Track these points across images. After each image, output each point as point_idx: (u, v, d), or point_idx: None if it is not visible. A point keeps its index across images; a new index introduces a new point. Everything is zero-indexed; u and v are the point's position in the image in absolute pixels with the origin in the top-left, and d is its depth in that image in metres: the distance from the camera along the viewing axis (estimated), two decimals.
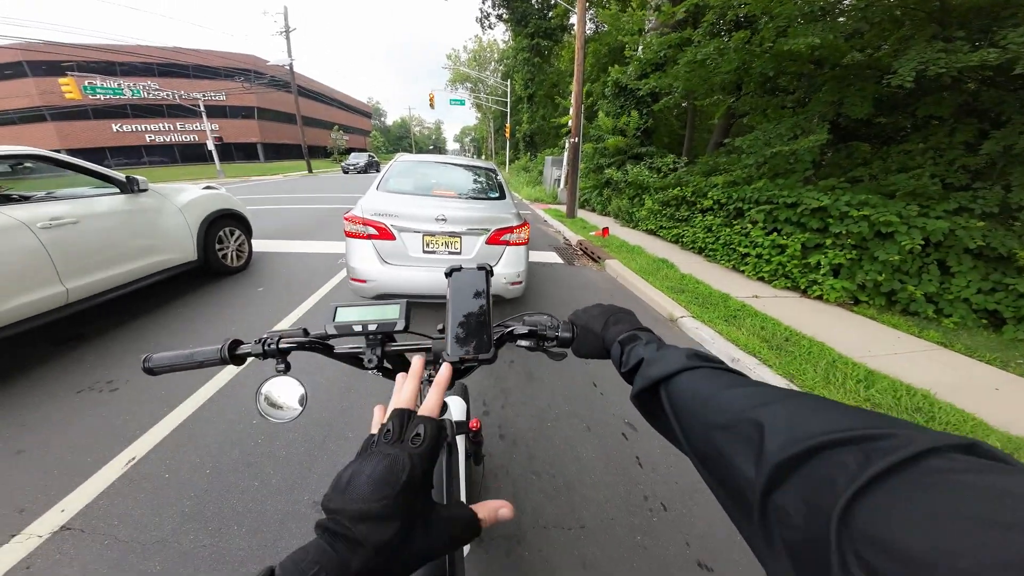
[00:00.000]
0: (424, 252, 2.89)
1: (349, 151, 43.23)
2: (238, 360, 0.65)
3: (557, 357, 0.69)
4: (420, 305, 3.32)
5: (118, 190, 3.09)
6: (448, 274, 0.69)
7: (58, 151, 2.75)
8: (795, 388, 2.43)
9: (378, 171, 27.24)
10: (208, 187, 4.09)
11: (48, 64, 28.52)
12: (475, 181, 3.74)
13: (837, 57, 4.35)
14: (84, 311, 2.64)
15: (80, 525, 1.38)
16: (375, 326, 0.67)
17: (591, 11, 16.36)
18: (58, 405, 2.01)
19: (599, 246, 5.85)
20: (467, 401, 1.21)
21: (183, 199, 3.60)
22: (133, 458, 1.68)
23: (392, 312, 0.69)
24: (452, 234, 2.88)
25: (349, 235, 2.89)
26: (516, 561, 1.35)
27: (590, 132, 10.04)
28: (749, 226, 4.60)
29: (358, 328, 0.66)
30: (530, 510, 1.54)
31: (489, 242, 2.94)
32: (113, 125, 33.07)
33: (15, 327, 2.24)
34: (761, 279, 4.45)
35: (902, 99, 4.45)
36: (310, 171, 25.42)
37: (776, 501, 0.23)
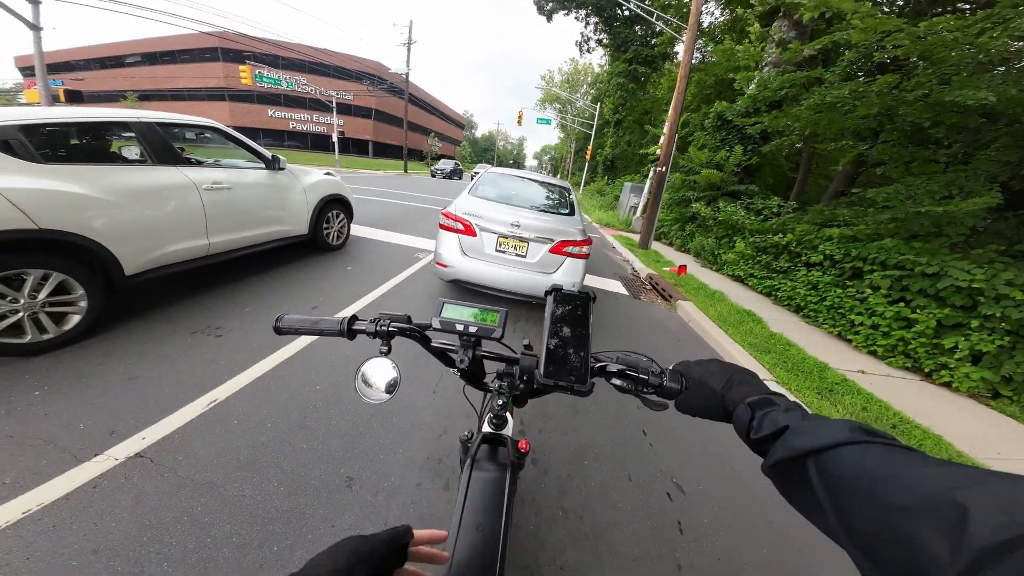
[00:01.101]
0: (496, 251, 3.29)
1: (440, 157, 46.94)
2: (352, 335, 0.70)
3: (657, 407, 0.62)
4: (478, 294, 3.78)
5: (263, 166, 3.57)
6: (549, 292, 0.68)
7: (229, 127, 3.39)
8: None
9: (460, 178, 29.30)
10: (328, 173, 4.61)
11: (234, 52, 35.55)
12: (549, 196, 4.13)
13: (1017, 112, 3.54)
14: (216, 264, 3.16)
15: (152, 454, 1.54)
16: (475, 328, 0.69)
17: (700, 41, 15.72)
18: (174, 341, 2.38)
19: (672, 283, 5.45)
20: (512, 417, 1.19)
21: (308, 180, 4.08)
22: (215, 400, 1.91)
23: (493, 318, 0.71)
24: (522, 239, 3.24)
25: (443, 227, 3.42)
26: None
27: (680, 163, 9.53)
28: (868, 291, 3.90)
29: (460, 327, 0.70)
30: (550, 546, 1.44)
31: (552, 251, 3.25)
32: (269, 110, 40.27)
33: (165, 269, 2.66)
34: (872, 353, 3.72)
35: None
36: (405, 171, 28.05)
37: None
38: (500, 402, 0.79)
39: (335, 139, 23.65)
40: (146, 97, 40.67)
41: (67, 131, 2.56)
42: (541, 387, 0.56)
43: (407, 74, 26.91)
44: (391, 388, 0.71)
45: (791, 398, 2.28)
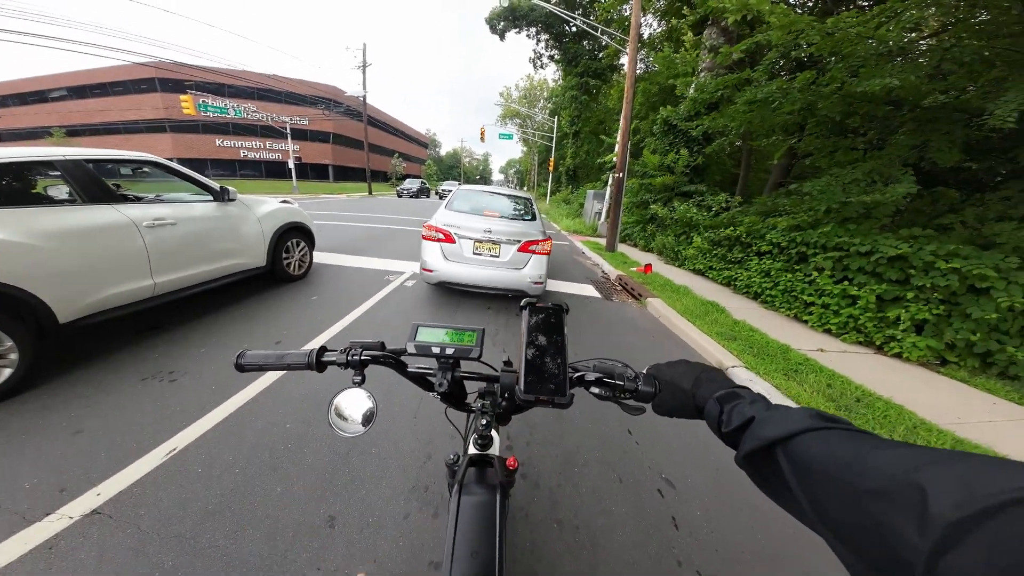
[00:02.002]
0: (473, 254, 3.90)
1: (405, 177, 46.64)
2: (322, 367, 0.67)
3: (634, 411, 0.63)
4: (469, 295, 4.33)
5: (212, 198, 3.43)
6: (524, 307, 0.68)
7: (171, 159, 3.21)
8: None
9: (428, 196, 29.20)
10: (284, 201, 4.43)
11: (173, 82, 33.94)
12: (514, 206, 4.80)
13: (917, 98, 4.02)
14: (165, 304, 2.94)
15: (110, 511, 1.43)
16: (452, 350, 0.68)
17: (642, 51, 16.79)
18: (123, 389, 2.20)
19: (640, 283, 5.64)
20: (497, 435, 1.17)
21: (263, 210, 3.94)
22: (174, 449, 1.77)
23: (469, 337, 0.70)
24: (494, 242, 3.87)
25: (425, 238, 4.00)
26: None
27: (635, 168, 10.01)
28: (814, 273, 4.21)
29: (436, 350, 0.68)
30: (547, 561, 1.41)
31: (520, 250, 3.88)
32: (216, 140, 38.51)
33: (105, 314, 2.48)
34: (828, 331, 4.00)
35: (997, 143, 3.98)
36: (370, 193, 27.61)
37: (949, 564, 0.22)
38: (484, 422, 0.78)
39: (291, 165, 22.95)
40: (75, 132, 37.85)
41: None
42: (523, 403, 0.56)
43: (364, 96, 26.78)
44: (368, 419, 0.68)
45: (757, 389, 2.37)
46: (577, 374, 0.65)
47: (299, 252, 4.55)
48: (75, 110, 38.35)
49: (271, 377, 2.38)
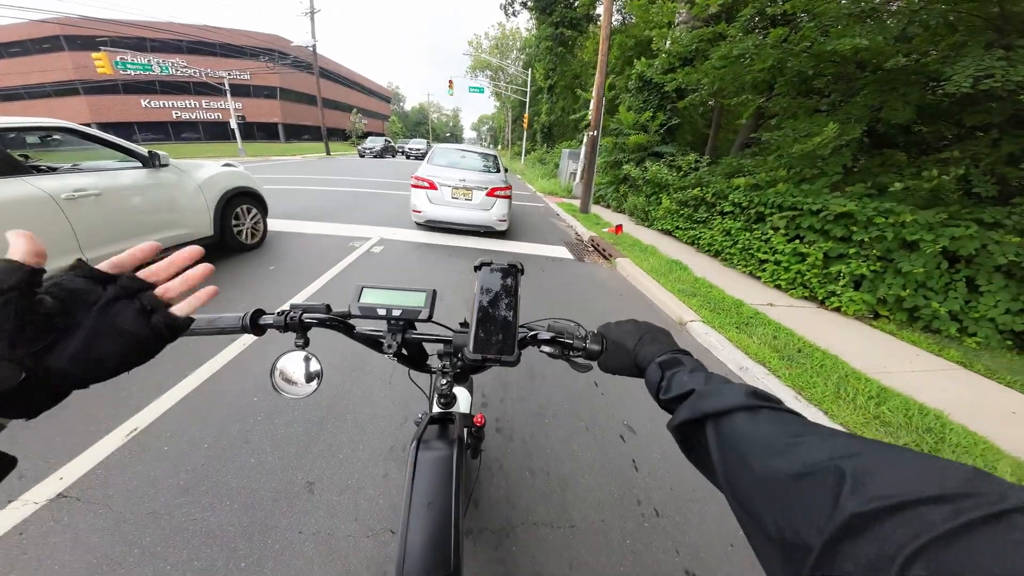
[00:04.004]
0: (451, 199, 5.10)
1: (367, 135, 43.24)
2: (259, 330, 0.64)
3: (582, 369, 0.64)
4: (459, 234, 5.40)
5: (140, 165, 3.15)
6: (477, 268, 0.67)
7: (89, 125, 2.84)
8: (838, 427, 2.36)
9: (393, 156, 27.44)
10: (227, 164, 4.12)
11: (83, 39, 29.22)
12: (483, 161, 5.96)
13: (881, 60, 4.11)
14: None
15: (76, 493, 1.40)
16: (399, 311, 0.66)
17: (619, 2, 15.87)
18: None
19: (611, 243, 5.75)
20: (471, 393, 1.20)
21: (202, 175, 3.65)
22: (135, 428, 1.70)
23: (417, 300, 0.67)
24: (467, 188, 5.04)
25: (414, 186, 5.17)
26: (504, 555, 1.35)
27: (610, 126, 9.82)
28: (770, 232, 4.45)
29: (382, 312, 0.66)
30: (522, 506, 1.53)
31: (487, 195, 5.07)
32: (142, 101, 33.85)
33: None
34: (778, 287, 4.32)
35: (946, 108, 4.20)
36: (328, 153, 25.60)
37: (842, 550, 0.22)
38: (444, 381, 0.80)
39: (234, 125, 20.63)
40: None
41: None
42: (471, 363, 0.57)
43: (313, 45, 23.95)
44: (318, 378, 0.66)
45: (711, 341, 2.53)
46: (531, 333, 0.66)
47: (251, 220, 4.25)
48: None
49: (234, 350, 2.30)
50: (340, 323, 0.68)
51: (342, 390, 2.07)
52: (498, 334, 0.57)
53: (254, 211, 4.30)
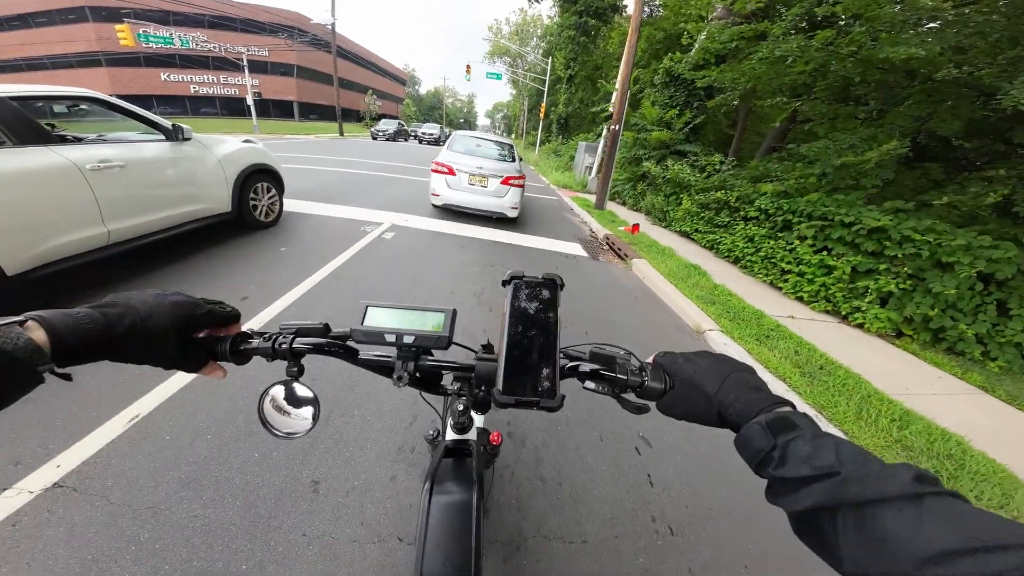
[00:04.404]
0: (468, 184, 5.33)
1: (381, 117, 42.88)
2: (241, 358, 0.54)
3: (637, 410, 0.52)
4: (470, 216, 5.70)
5: (163, 137, 3.11)
6: (507, 282, 0.56)
7: (111, 96, 2.79)
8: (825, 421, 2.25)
9: (407, 140, 27.16)
10: (247, 140, 4.07)
11: (108, 10, 29.07)
12: (499, 150, 6.11)
13: (931, 70, 3.88)
14: (114, 256, 2.68)
15: (73, 483, 1.35)
16: (412, 338, 0.54)
17: None
18: None
19: (627, 243, 5.61)
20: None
21: (223, 151, 3.60)
22: (137, 415, 1.65)
23: (434, 322, 0.54)
24: (483, 176, 5.28)
25: (434, 171, 5.40)
26: (513, 568, 1.29)
27: (631, 120, 9.55)
28: (796, 242, 4.28)
29: (390, 338, 0.54)
30: (533, 517, 1.46)
31: (502, 183, 5.31)
32: (162, 74, 33.91)
33: (58, 264, 2.32)
34: (799, 299, 4.16)
35: (995, 123, 3.96)
36: (341, 134, 25.45)
37: None
38: (460, 407, 0.70)
39: (250, 102, 20.50)
40: None
41: None
42: (502, 406, 0.46)
43: (333, 24, 23.59)
44: (309, 414, 0.55)
45: (731, 353, 2.26)
46: (571, 364, 0.54)
47: (268, 198, 4.22)
48: None
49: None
50: (341, 348, 0.57)
51: (348, 384, 2.01)
52: (535, 370, 0.47)
53: (272, 190, 4.27)
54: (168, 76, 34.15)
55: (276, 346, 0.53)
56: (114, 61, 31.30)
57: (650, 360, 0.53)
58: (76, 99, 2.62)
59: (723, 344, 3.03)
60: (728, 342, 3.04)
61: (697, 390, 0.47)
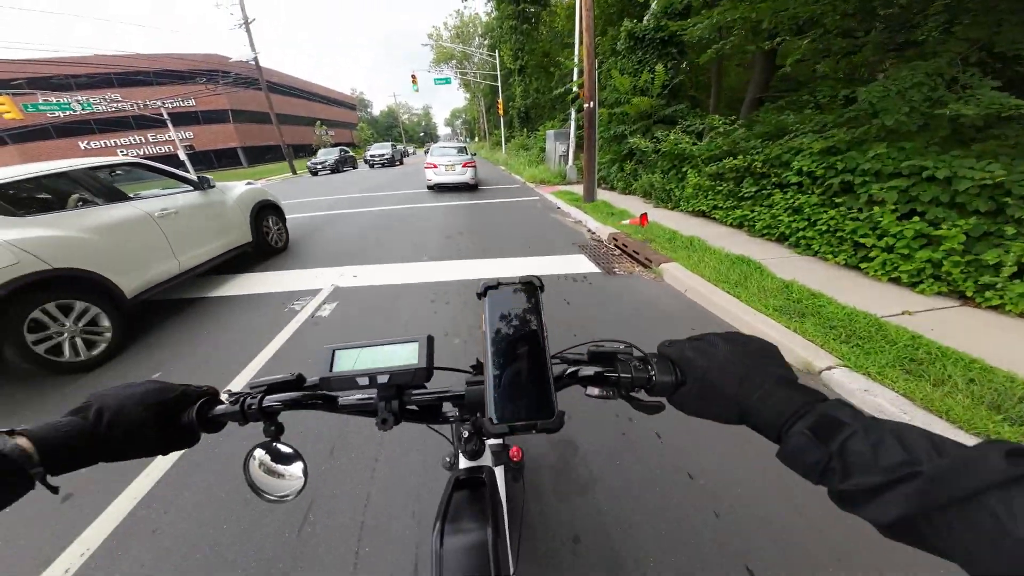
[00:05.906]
0: (445, 171, 10.21)
1: (336, 146, 40.84)
2: (212, 426, 0.48)
3: (651, 410, 0.44)
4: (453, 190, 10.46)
5: (192, 188, 3.85)
6: (481, 294, 0.49)
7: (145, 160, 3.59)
8: None
9: (354, 167, 24.96)
10: (249, 183, 4.92)
11: None
12: (458, 150, 10.64)
13: None
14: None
15: None
16: (386, 377, 0.47)
17: None
18: None
19: (641, 240, 4.58)
20: None
21: (236, 193, 4.44)
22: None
23: (407, 354, 0.47)
24: (451, 164, 10.14)
25: (426, 167, 10.40)
26: None
27: (600, 97, 8.55)
28: (872, 208, 3.30)
29: (363, 381, 0.47)
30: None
31: (463, 167, 10.06)
32: (80, 142, 31.69)
33: (153, 289, 3.07)
34: (894, 280, 3.18)
35: None
36: (294, 172, 23.84)
37: None
38: (466, 433, 0.63)
39: (183, 157, 18.79)
40: None
41: (19, 186, 2.72)
42: (495, 436, 0.47)
43: (255, 58, 21.90)
44: (296, 473, 0.50)
45: (879, 404, 1.21)
46: (569, 370, 0.48)
47: (276, 229, 5.10)
48: None
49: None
50: (318, 400, 0.52)
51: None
52: (526, 387, 0.41)
53: (278, 222, 5.19)
54: (88, 143, 31.83)
55: (246, 408, 0.49)
56: (19, 136, 29.11)
57: (654, 351, 0.47)
58: (116, 166, 3.34)
59: (862, 391, 2.00)
60: (870, 385, 2.02)
61: (713, 390, 0.40)
